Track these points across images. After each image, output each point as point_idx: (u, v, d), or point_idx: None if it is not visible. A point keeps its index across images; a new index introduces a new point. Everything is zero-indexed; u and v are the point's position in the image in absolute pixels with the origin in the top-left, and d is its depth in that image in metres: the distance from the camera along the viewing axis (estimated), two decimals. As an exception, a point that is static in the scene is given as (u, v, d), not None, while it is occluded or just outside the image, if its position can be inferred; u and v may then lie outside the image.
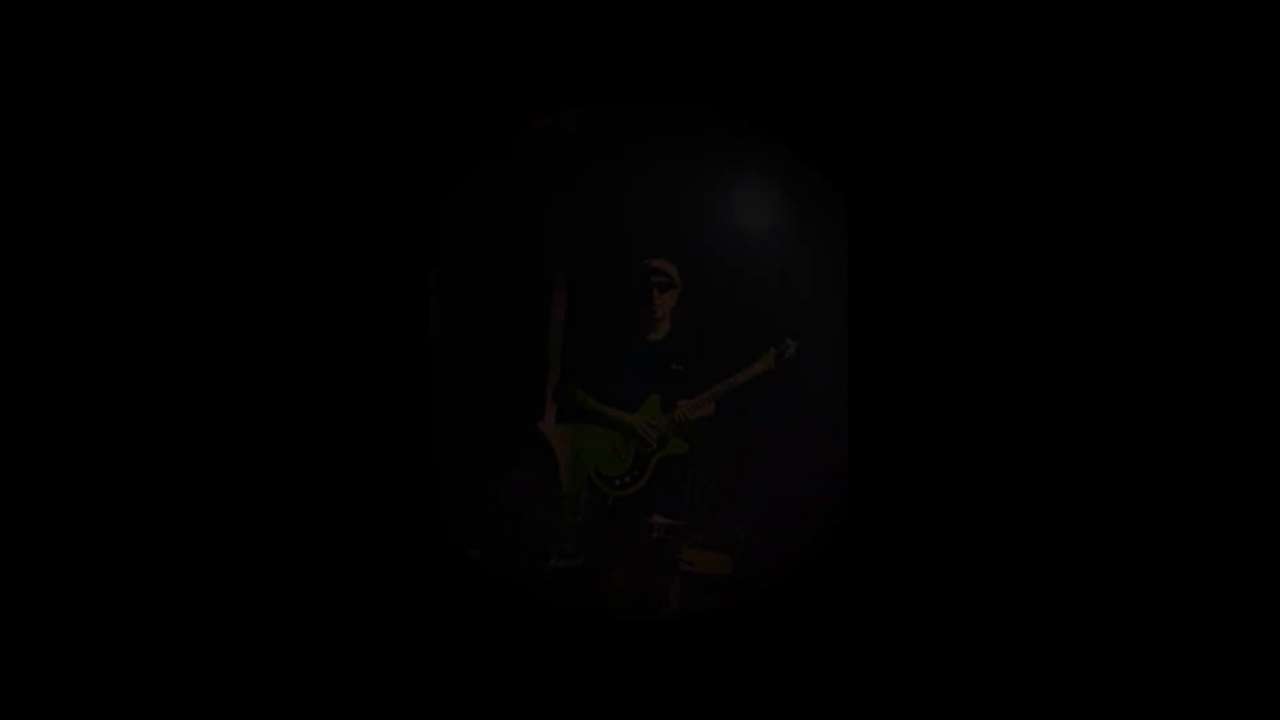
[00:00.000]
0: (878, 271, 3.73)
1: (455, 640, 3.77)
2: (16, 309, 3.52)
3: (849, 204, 3.78)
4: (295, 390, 3.67)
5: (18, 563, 3.47)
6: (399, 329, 3.74)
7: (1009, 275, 3.66)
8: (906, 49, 3.78)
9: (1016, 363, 3.63)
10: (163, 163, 3.63)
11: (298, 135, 3.71)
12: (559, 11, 3.93)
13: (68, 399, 3.53)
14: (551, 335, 4.48)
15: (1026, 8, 3.70)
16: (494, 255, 4.45)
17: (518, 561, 4.37)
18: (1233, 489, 3.45)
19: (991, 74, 3.70)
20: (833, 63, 3.88)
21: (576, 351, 4.50)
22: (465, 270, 4.43)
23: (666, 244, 4.49)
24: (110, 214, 3.59)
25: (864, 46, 3.83)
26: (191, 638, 3.55)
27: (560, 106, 4.31)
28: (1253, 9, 3.53)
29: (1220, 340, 3.51)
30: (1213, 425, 3.49)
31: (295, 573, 3.64)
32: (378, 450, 3.69)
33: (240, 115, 3.67)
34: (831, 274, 4.13)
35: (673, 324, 4.54)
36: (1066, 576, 3.54)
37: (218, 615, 3.57)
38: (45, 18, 3.58)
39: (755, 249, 4.52)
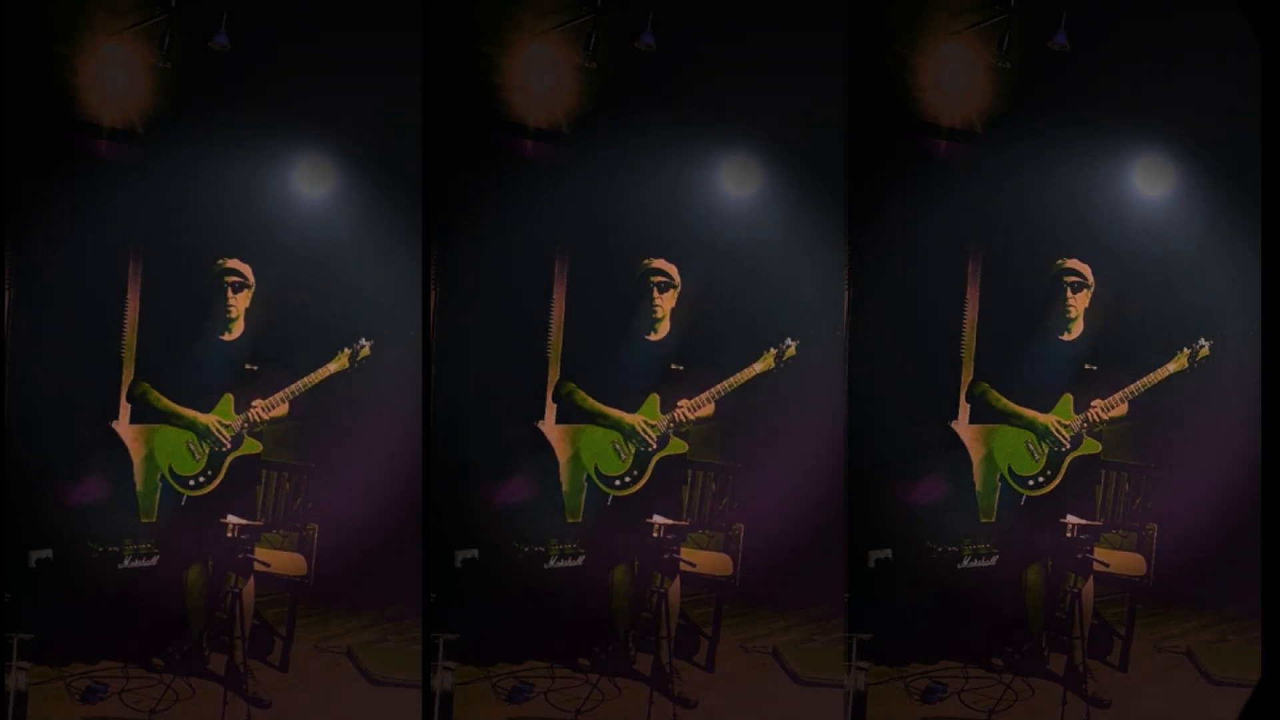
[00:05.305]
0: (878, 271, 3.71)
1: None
2: None
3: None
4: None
5: None
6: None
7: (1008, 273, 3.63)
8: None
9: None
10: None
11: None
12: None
13: None
14: (550, 335, 4.47)
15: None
16: (492, 253, 4.44)
17: (517, 561, 4.38)
18: None
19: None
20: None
21: (576, 351, 4.49)
22: (462, 268, 4.43)
23: (667, 243, 4.48)
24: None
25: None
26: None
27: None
28: None
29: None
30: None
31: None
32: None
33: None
34: (831, 274, 4.10)
35: (673, 324, 4.53)
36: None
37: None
38: None
39: (756, 249, 4.51)
